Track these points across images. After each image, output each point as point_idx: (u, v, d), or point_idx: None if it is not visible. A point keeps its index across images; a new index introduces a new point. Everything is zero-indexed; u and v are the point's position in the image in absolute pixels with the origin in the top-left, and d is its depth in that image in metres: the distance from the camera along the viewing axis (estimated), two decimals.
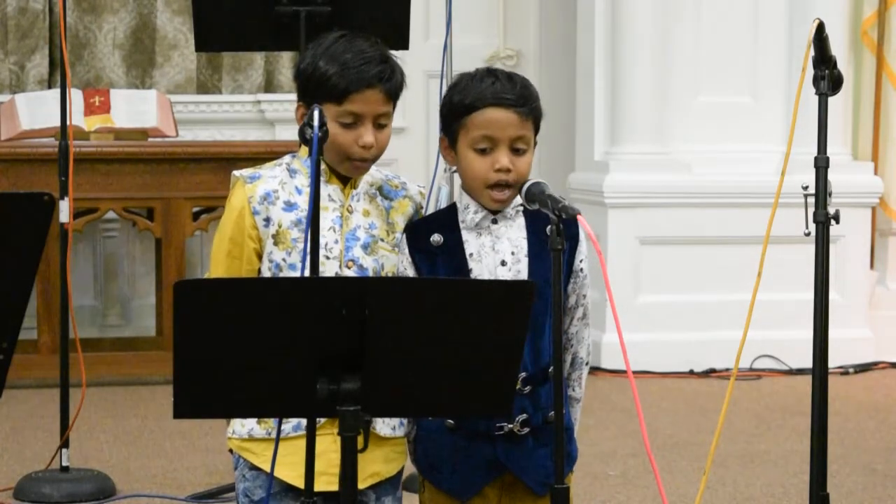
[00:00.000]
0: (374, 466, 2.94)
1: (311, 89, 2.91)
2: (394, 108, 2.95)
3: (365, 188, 2.97)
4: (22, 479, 4.72)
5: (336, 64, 2.88)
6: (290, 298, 2.33)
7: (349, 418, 2.35)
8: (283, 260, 2.91)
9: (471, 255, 2.90)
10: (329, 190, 2.93)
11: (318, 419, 2.72)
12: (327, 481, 2.82)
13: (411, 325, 2.35)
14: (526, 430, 2.88)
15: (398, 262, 2.95)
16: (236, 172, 2.97)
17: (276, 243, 2.92)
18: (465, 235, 2.92)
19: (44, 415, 5.71)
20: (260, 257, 2.94)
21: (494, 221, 2.91)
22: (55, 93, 6.22)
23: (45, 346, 6.25)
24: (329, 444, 2.82)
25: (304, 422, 2.87)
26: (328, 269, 2.89)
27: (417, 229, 2.97)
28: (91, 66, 7.21)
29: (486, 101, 2.86)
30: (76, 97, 6.30)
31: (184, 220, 6.39)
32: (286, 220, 2.92)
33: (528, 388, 2.86)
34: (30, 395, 6.04)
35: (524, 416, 2.87)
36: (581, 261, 2.95)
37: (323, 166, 2.92)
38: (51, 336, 6.18)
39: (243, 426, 2.95)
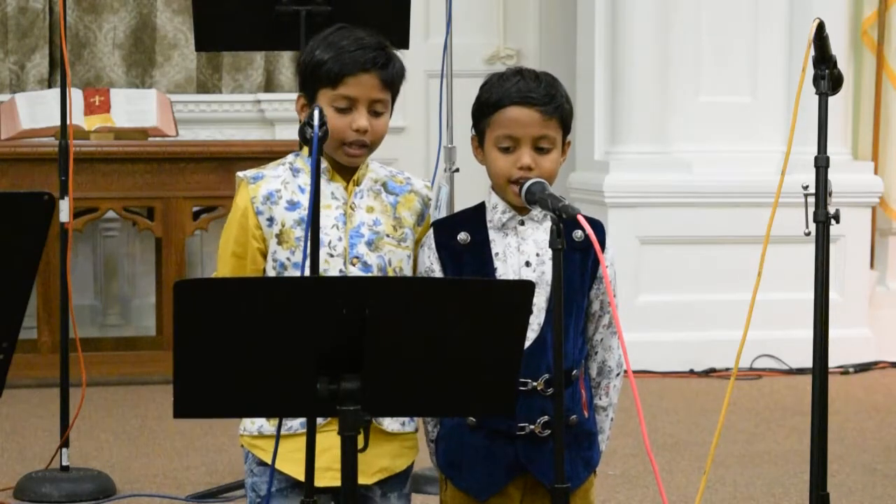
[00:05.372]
0: (382, 462, 2.94)
1: (309, 77, 2.94)
2: (392, 99, 2.96)
3: (369, 184, 2.98)
4: (22, 478, 4.72)
5: (332, 50, 2.91)
6: (290, 298, 2.33)
7: (349, 418, 2.35)
8: (288, 259, 2.93)
9: (496, 254, 2.91)
10: (332, 188, 2.94)
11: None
12: (333, 477, 2.82)
13: (411, 325, 2.35)
14: (547, 431, 2.87)
15: (424, 259, 2.96)
16: (240, 173, 2.99)
17: (279, 243, 2.93)
18: (492, 235, 2.92)
19: (44, 415, 5.71)
20: (265, 256, 2.96)
21: (522, 223, 2.92)
22: (55, 92, 6.22)
23: (45, 345, 6.25)
24: (335, 440, 2.82)
25: None
26: (332, 266, 2.90)
27: (444, 226, 2.98)
28: (91, 65, 7.21)
29: (511, 99, 2.87)
30: (76, 97, 6.30)
31: (184, 220, 6.39)
32: (289, 219, 2.93)
33: (550, 390, 2.85)
34: (30, 395, 6.04)
35: (546, 417, 2.87)
36: (606, 266, 2.94)
37: (325, 164, 2.94)
38: (51, 336, 6.18)
39: (253, 423, 2.98)
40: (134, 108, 6.48)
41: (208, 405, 2.42)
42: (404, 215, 2.99)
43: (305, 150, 2.98)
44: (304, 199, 2.93)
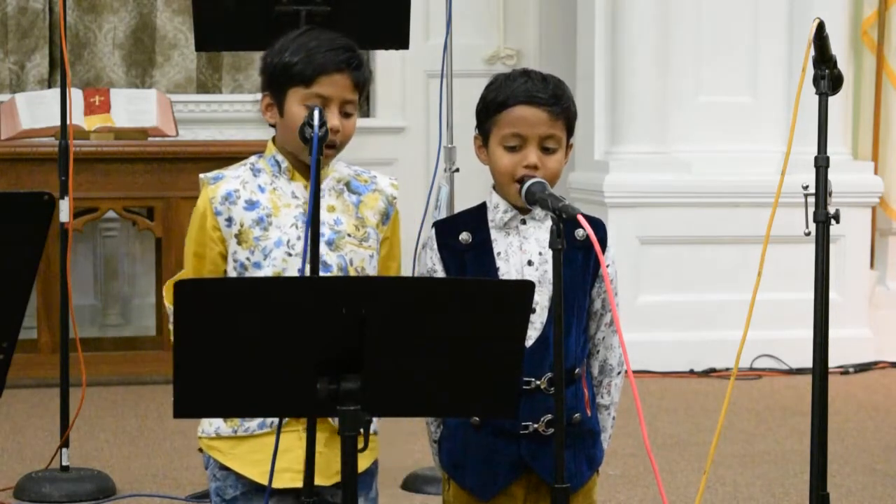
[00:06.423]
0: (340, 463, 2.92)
1: (278, 78, 2.91)
2: (360, 100, 2.97)
3: (331, 184, 2.97)
4: (22, 478, 4.72)
5: (303, 51, 2.90)
6: (290, 298, 2.33)
7: (349, 418, 2.35)
8: (248, 259, 2.91)
9: (498, 253, 2.91)
10: (292, 187, 2.93)
11: (283, 417, 2.73)
12: (291, 478, 2.82)
13: (411, 325, 2.35)
14: (551, 430, 2.86)
15: (426, 260, 2.96)
16: (202, 175, 2.98)
17: (239, 243, 2.92)
18: (494, 234, 2.93)
19: (44, 415, 5.71)
20: (225, 258, 2.94)
21: (523, 222, 2.92)
22: (55, 92, 6.22)
23: (45, 345, 6.25)
24: (294, 441, 2.82)
25: (268, 419, 2.86)
26: (290, 266, 2.88)
27: (446, 227, 2.98)
28: (91, 65, 7.21)
29: (518, 99, 2.87)
30: (76, 97, 6.30)
31: (184, 220, 6.35)
32: (248, 219, 2.91)
33: (552, 389, 2.85)
34: (30, 395, 6.04)
35: (549, 416, 2.87)
36: (607, 265, 2.94)
37: (286, 164, 2.93)
38: (51, 336, 6.19)
39: (211, 425, 2.94)
40: (134, 108, 6.48)
41: (208, 405, 2.42)
42: (367, 215, 2.97)
43: (268, 150, 2.98)
44: (264, 199, 2.92)
